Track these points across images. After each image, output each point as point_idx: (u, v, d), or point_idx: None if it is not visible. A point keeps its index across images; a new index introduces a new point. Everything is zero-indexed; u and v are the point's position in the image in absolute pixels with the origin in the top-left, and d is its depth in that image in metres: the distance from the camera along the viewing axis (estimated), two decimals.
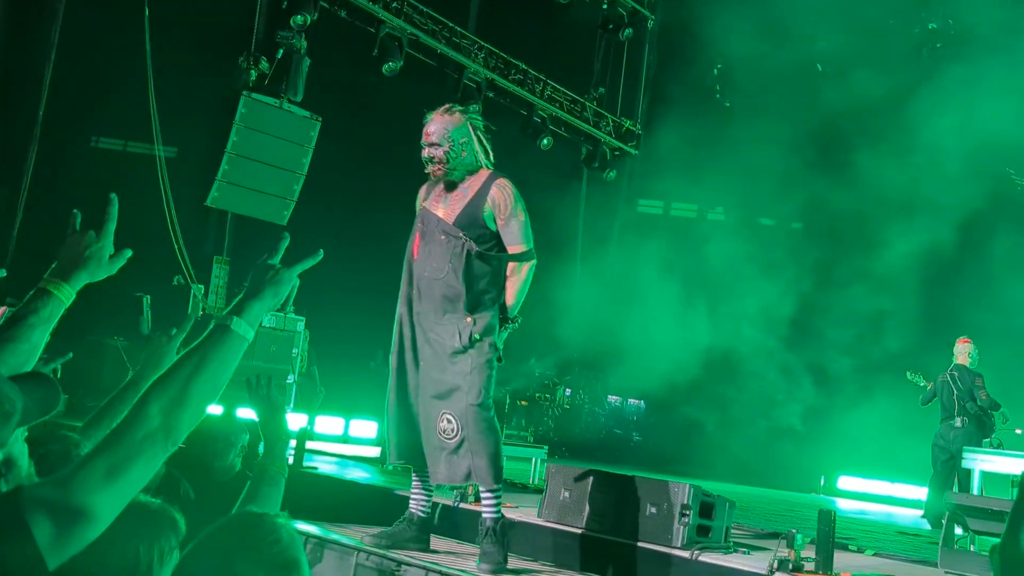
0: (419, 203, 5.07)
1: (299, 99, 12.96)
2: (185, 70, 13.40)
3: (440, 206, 4.87)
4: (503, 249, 4.81)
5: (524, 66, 15.66)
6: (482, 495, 4.73)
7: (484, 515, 4.69)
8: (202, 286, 13.39)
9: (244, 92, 12.55)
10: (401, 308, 4.95)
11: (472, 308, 4.70)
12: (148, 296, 12.41)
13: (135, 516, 1.84)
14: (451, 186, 4.87)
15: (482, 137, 4.93)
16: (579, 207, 17.61)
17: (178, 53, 13.22)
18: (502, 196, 4.77)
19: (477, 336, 4.67)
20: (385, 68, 13.38)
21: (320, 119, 13.26)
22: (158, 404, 1.72)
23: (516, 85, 15.57)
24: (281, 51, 12.69)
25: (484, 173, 4.87)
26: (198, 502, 4.03)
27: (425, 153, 4.85)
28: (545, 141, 15.67)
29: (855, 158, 14.44)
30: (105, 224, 2.14)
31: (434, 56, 14.49)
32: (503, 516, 4.72)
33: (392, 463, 5.00)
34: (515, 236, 4.80)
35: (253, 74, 12.67)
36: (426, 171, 4.89)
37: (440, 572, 4.28)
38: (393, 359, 4.96)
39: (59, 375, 2.99)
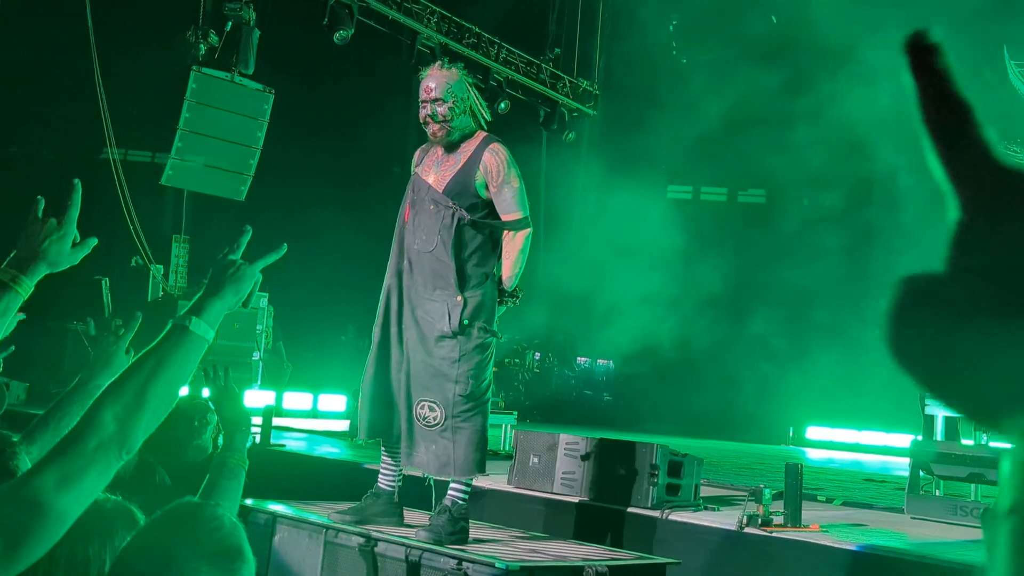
0: (413, 167, 4.80)
1: (250, 72, 12.74)
2: (132, 46, 13.13)
3: (432, 172, 4.62)
4: (497, 218, 4.57)
5: (478, 30, 15.50)
6: (453, 482, 4.57)
7: (448, 495, 4.54)
8: (161, 266, 13.22)
9: (194, 67, 12.33)
10: (390, 279, 4.70)
11: (463, 285, 4.46)
12: (107, 279, 12.24)
13: (86, 516, 1.79)
14: (450, 148, 4.60)
15: (478, 95, 4.72)
16: (540, 170, 17.55)
17: (123, 29, 12.96)
18: (495, 162, 4.52)
19: (466, 321, 4.44)
20: (336, 37, 13.17)
21: (273, 91, 13.06)
22: (112, 411, 1.64)
23: (470, 49, 15.40)
24: (230, 23, 12.45)
25: (479, 136, 4.63)
26: (174, 487, 4.00)
27: (426, 111, 4.54)
28: (502, 105, 15.55)
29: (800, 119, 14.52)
30: (67, 211, 2.03)
31: (386, 23, 14.29)
32: (465, 505, 4.58)
33: (362, 439, 4.89)
34: (508, 204, 4.53)
35: (202, 48, 12.43)
36: (428, 133, 4.61)
37: (409, 545, 4.26)
38: (376, 331, 4.73)
39: (1, 368, 2.91)
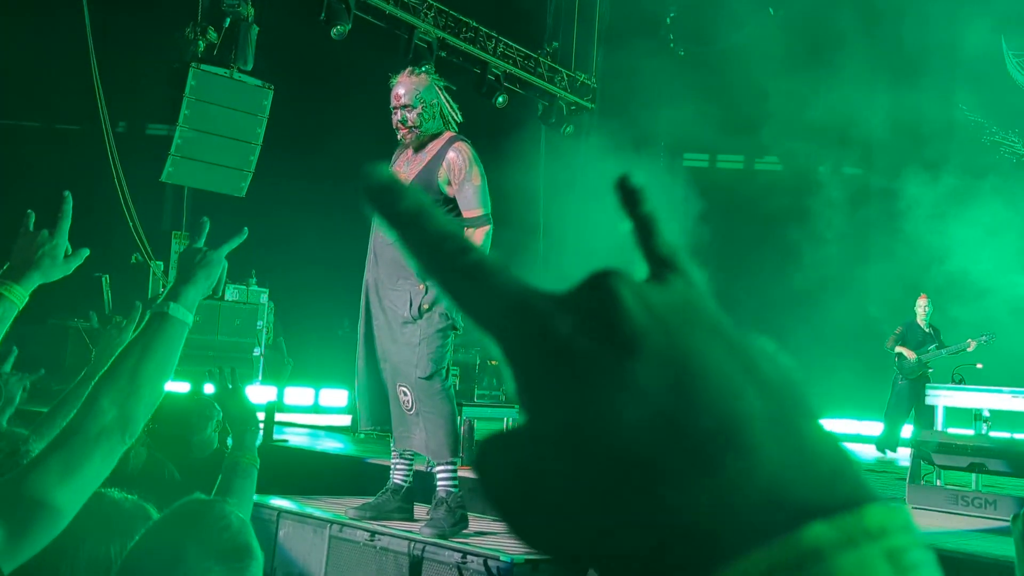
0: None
1: (249, 68, 12.74)
2: (130, 43, 13.13)
3: (401, 171, 4.80)
4: (460, 216, 4.70)
5: (475, 23, 15.48)
6: (436, 469, 4.66)
7: (438, 488, 4.62)
8: (161, 263, 13.24)
9: (193, 64, 12.32)
10: (366, 274, 4.90)
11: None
12: (107, 276, 12.26)
13: (106, 515, 1.82)
14: (418, 148, 4.80)
15: (449, 98, 4.87)
16: (539, 164, 17.54)
17: (121, 26, 12.95)
18: (458, 159, 4.66)
19: (426, 307, 4.58)
20: (334, 32, 13.16)
21: (272, 87, 13.06)
22: (109, 397, 1.68)
23: (468, 43, 15.39)
24: (228, 20, 12.45)
25: (446, 136, 4.78)
26: (183, 483, 4.03)
27: (397, 116, 4.74)
28: (500, 99, 15.54)
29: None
30: (59, 222, 2.08)
31: (383, 17, 14.28)
32: (459, 490, 4.63)
33: (363, 430, 4.99)
34: (469, 200, 4.67)
35: (201, 45, 12.42)
36: (398, 137, 4.81)
37: (413, 540, 4.28)
38: (361, 326, 4.89)
39: (28, 390, 2.95)
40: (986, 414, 7.32)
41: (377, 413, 4.84)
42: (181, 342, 1.83)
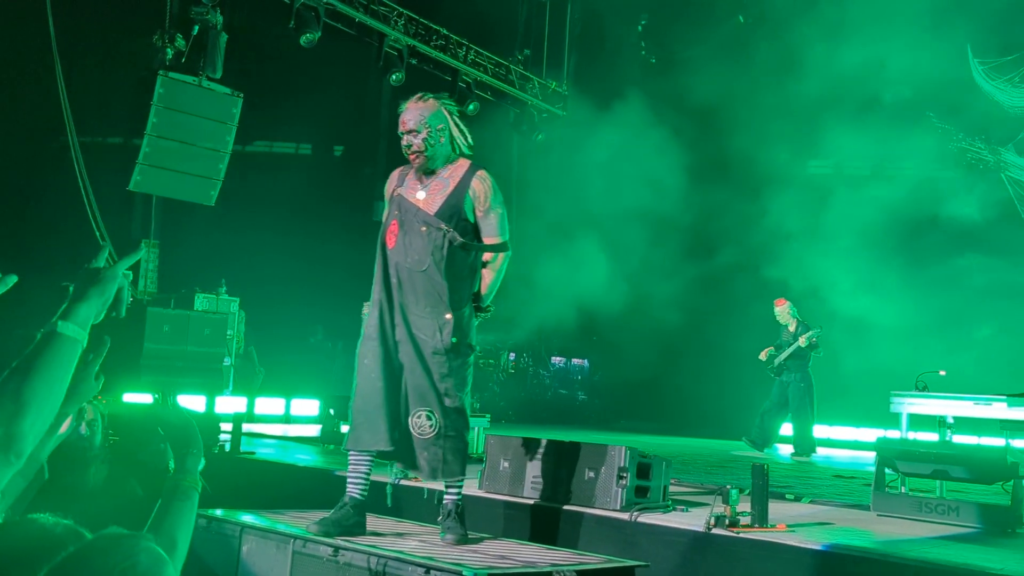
0: (390, 188, 5.03)
1: (218, 76, 12.67)
2: (96, 51, 13.03)
3: (419, 194, 4.87)
4: (479, 240, 4.87)
5: (446, 31, 15.47)
6: (448, 484, 4.87)
7: (447, 499, 4.87)
8: (131, 272, 13.11)
9: (161, 71, 12.24)
10: (379, 294, 4.88)
11: (453, 304, 4.75)
12: (74, 286, 12.15)
13: (33, 541, 1.78)
14: (429, 173, 4.87)
15: (458, 122, 4.96)
16: (511, 171, 17.55)
17: (87, 33, 12.85)
18: (483, 188, 4.83)
19: (455, 339, 4.73)
20: (303, 40, 13.12)
21: (242, 95, 12.99)
22: None
23: (439, 51, 15.38)
24: (196, 27, 12.38)
25: (464, 163, 4.90)
26: (145, 498, 4.00)
27: (404, 142, 4.86)
28: (472, 107, 15.54)
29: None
30: None
31: (353, 25, 14.25)
32: (462, 498, 4.91)
33: (388, 448, 4.82)
34: (493, 228, 4.87)
35: (169, 52, 12.35)
36: (413, 163, 4.86)
37: (379, 555, 4.26)
38: (374, 345, 4.79)
39: None
40: (950, 420, 7.39)
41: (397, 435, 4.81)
42: (73, 359, 1.84)
